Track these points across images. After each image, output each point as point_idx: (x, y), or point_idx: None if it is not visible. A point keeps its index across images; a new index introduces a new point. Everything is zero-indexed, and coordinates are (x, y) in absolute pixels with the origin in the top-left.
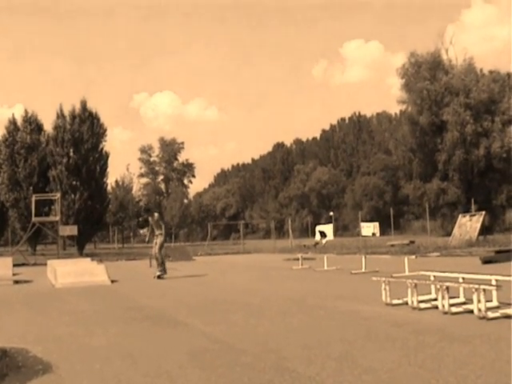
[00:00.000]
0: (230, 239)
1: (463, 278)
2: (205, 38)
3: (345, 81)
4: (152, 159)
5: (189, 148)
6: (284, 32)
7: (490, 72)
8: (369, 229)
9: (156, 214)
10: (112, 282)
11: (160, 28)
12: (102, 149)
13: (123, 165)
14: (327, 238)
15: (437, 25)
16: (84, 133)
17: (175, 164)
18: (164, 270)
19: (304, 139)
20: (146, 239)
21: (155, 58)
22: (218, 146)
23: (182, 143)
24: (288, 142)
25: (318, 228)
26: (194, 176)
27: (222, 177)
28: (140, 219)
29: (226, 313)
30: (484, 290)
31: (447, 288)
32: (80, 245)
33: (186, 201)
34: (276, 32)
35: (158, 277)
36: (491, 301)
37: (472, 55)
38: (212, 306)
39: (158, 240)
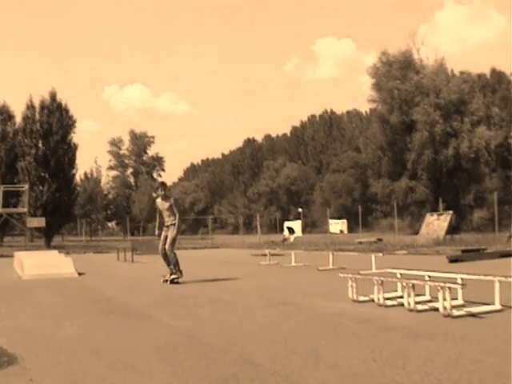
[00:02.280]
0: (199, 234)
1: (429, 276)
2: (177, 32)
3: (316, 78)
4: (121, 152)
5: (159, 142)
6: (257, 28)
7: (461, 73)
8: (337, 226)
9: (172, 197)
10: (79, 274)
11: (132, 20)
12: (71, 140)
13: (92, 157)
14: (295, 235)
15: (409, 25)
16: (53, 124)
17: (145, 157)
18: (179, 272)
19: (274, 135)
20: (156, 231)
21: (126, 50)
22: (188, 141)
23: (153, 137)
24: (258, 138)
25: (287, 224)
26: (163, 170)
27: (192, 171)
28: (160, 193)
29: (193, 307)
30: (449, 288)
31: (413, 286)
32: (48, 237)
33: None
34: (248, 28)
35: (172, 281)
36: (456, 299)
37: (443, 56)
38: (179, 300)
39: (170, 232)
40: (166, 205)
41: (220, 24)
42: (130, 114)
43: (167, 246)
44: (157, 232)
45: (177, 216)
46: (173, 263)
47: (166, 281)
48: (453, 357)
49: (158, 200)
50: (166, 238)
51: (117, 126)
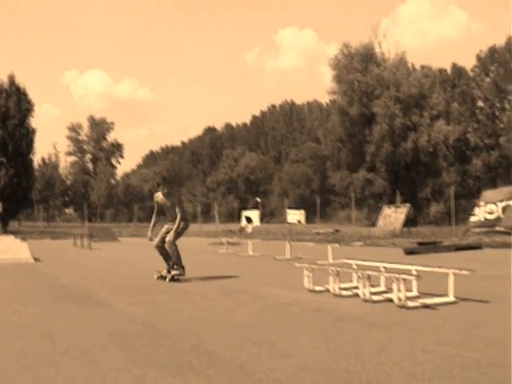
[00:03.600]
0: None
1: (385, 268)
2: (139, 19)
3: (278, 68)
4: (80, 138)
5: (118, 128)
6: (219, 17)
7: (422, 67)
8: (295, 216)
9: (177, 194)
10: (35, 260)
11: (94, 5)
12: (30, 125)
13: (51, 142)
14: (253, 224)
15: (372, 17)
16: (11, 108)
17: (104, 144)
18: (182, 268)
19: (234, 124)
20: (149, 233)
21: (88, 35)
22: (148, 128)
23: (112, 123)
24: (219, 127)
25: (245, 213)
26: (122, 157)
27: (151, 158)
28: (162, 190)
29: (149, 294)
30: (404, 279)
31: (369, 277)
32: (4, 222)
33: (113, 181)
34: (211, 16)
35: (172, 278)
36: (411, 290)
37: (405, 49)
38: (136, 288)
39: (176, 226)
40: (169, 203)
41: (182, 12)
42: (90, 100)
43: (167, 239)
44: (149, 235)
45: (179, 216)
46: (174, 258)
47: (162, 277)
48: (406, 347)
49: (159, 196)
50: (167, 232)
51: (76, 112)
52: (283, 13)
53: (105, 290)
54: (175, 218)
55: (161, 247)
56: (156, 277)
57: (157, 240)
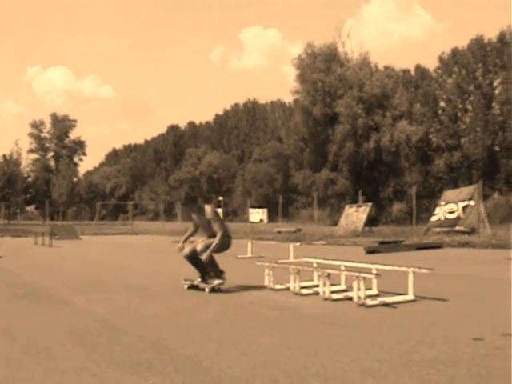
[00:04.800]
0: (119, 220)
1: (345, 266)
2: (103, 16)
3: (241, 67)
4: (43, 135)
5: (81, 125)
6: (183, 15)
7: (385, 68)
8: (257, 215)
9: (210, 206)
10: None
11: (57, 2)
12: None
13: (13, 139)
14: None
15: (336, 17)
16: None
17: (66, 141)
18: (221, 274)
19: (198, 123)
20: (180, 244)
21: (51, 31)
22: (111, 125)
23: (75, 120)
24: (182, 125)
25: None
26: (84, 154)
27: (114, 156)
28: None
29: (109, 292)
30: (364, 278)
31: (329, 275)
32: None
33: (75, 179)
34: (175, 14)
35: (213, 289)
36: (371, 289)
37: (368, 50)
38: (96, 285)
39: (217, 242)
40: (204, 221)
41: (146, 9)
42: (52, 97)
43: (205, 252)
44: (180, 245)
45: (220, 233)
46: (212, 268)
47: (194, 286)
48: (365, 345)
49: (193, 216)
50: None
51: (39, 109)
52: (247, 12)
53: (65, 288)
54: (214, 236)
55: (190, 257)
56: (186, 287)
57: (187, 250)
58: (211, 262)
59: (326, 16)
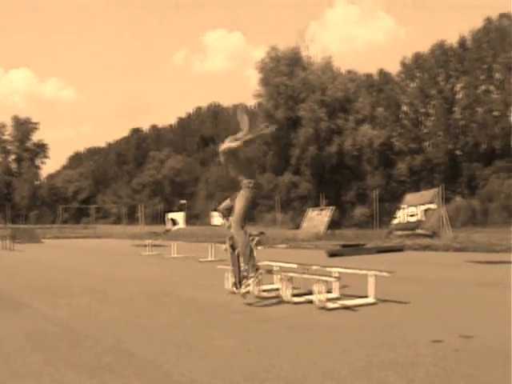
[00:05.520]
0: (81, 223)
1: (306, 269)
2: (66, 18)
3: (205, 70)
4: (4, 138)
5: (43, 128)
6: (147, 17)
7: (348, 72)
8: (220, 218)
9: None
10: None
11: (19, 3)
12: None
13: None
14: (178, 226)
15: (300, 21)
16: None
17: (28, 144)
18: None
19: (161, 126)
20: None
21: (13, 33)
22: (74, 128)
23: (37, 123)
24: (145, 128)
25: (170, 215)
26: (47, 157)
27: (76, 159)
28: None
29: (70, 296)
30: (325, 281)
31: (290, 278)
32: None
33: (37, 182)
34: (138, 17)
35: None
36: (332, 292)
37: (332, 54)
38: (57, 289)
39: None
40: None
41: (109, 12)
42: (14, 99)
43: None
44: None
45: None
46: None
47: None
48: (325, 348)
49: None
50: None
51: (0, 111)
52: (211, 15)
53: (25, 292)
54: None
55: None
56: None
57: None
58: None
59: (289, 20)
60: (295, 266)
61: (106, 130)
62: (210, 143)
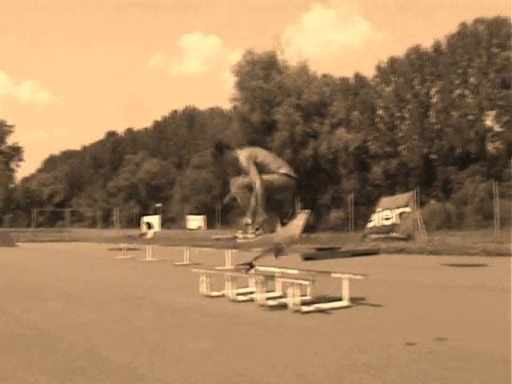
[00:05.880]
0: (56, 227)
1: (281, 273)
2: (41, 20)
3: (181, 73)
4: None
5: (18, 131)
6: (123, 20)
7: (324, 75)
8: (195, 222)
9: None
10: None
11: None
12: None
13: None
14: (154, 230)
15: (276, 25)
16: None
17: (3, 147)
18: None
19: (136, 129)
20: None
21: None
22: (49, 131)
23: (12, 126)
24: (120, 131)
25: (145, 219)
26: (21, 160)
27: (51, 163)
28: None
29: (45, 300)
30: (299, 284)
31: (265, 282)
32: None
33: (12, 185)
34: (115, 20)
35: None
36: (306, 295)
37: (308, 58)
38: (31, 293)
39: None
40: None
41: (85, 14)
42: None
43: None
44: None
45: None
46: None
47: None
48: (299, 351)
49: None
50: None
51: None
52: (187, 18)
53: (0, 296)
54: None
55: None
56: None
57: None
58: None
59: (266, 23)
60: (270, 269)
61: (81, 133)
62: (186, 147)
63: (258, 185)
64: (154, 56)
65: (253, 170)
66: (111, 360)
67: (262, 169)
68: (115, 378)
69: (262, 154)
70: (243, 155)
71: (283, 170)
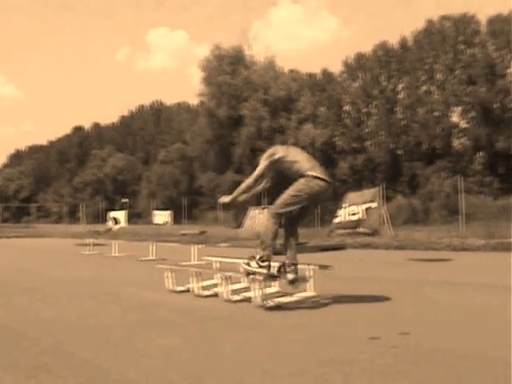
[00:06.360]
0: (22, 222)
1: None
2: (7, 14)
3: (148, 68)
4: None
5: None
6: (90, 15)
7: (291, 71)
8: (161, 217)
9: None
10: None
11: None
12: None
13: None
14: (120, 225)
15: (244, 20)
16: None
17: None
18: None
19: (103, 124)
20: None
21: None
22: (15, 126)
23: None
24: (87, 126)
25: (112, 214)
26: None
27: (17, 157)
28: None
29: (9, 296)
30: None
31: (230, 277)
32: None
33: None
34: (81, 14)
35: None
36: (271, 289)
37: (276, 53)
38: None
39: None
40: None
41: (52, 8)
42: None
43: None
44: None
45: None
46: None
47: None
48: (263, 346)
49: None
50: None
51: None
52: (154, 13)
53: None
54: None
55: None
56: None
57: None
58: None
59: (233, 18)
60: (235, 260)
61: (47, 127)
62: (153, 142)
63: (258, 169)
64: (121, 50)
65: (263, 164)
66: (76, 356)
67: (290, 167)
68: (79, 373)
69: (292, 152)
70: (266, 154)
71: (315, 173)
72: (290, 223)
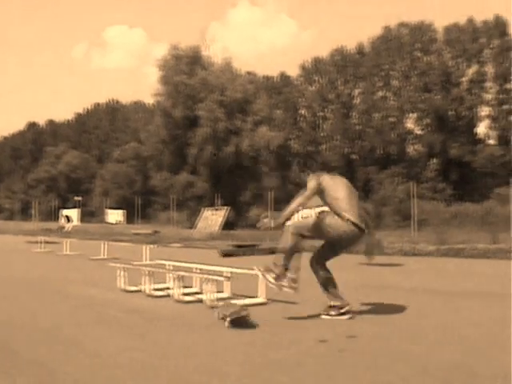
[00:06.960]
0: None
1: (199, 269)
2: None
3: (104, 66)
4: None
5: None
6: (46, 10)
7: (248, 73)
8: (114, 216)
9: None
10: None
11: None
12: None
13: None
14: (73, 223)
15: (202, 20)
16: None
17: None
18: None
19: (58, 121)
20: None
21: None
22: None
23: None
24: (41, 122)
25: (64, 212)
26: None
27: None
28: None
29: None
30: (215, 280)
31: (182, 277)
32: None
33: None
34: (38, 9)
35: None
36: (223, 291)
37: (234, 55)
38: None
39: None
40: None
41: (7, 2)
42: None
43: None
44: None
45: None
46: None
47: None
48: (212, 347)
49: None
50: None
51: None
52: (112, 10)
53: None
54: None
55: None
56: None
57: None
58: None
59: (192, 18)
60: (187, 264)
61: (1, 123)
62: (108, 140)
63: (304, 197)
64: (77, 47)
65: (310, 191)
66: (23, 355)
67: (330, 202)
68: (26, 373)
69: (335, 186)
70: (315, 180)
71: (352, 217)
72: (318, 257)
